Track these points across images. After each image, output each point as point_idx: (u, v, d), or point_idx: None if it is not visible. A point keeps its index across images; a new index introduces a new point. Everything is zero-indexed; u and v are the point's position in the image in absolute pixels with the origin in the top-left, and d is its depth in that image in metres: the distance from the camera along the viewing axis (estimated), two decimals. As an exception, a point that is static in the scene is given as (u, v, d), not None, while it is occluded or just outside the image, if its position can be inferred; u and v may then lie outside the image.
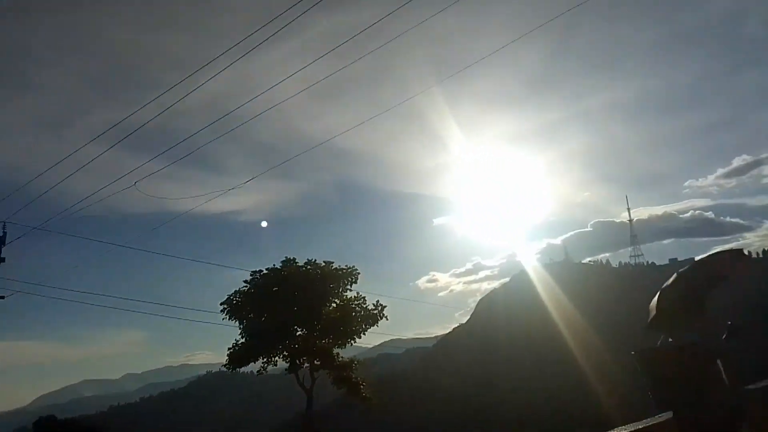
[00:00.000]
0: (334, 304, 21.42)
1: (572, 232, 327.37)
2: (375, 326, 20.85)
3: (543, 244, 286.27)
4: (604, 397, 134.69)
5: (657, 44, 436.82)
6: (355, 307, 20.76)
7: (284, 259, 19.83)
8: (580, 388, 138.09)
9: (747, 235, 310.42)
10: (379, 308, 20.86)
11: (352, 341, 21.20)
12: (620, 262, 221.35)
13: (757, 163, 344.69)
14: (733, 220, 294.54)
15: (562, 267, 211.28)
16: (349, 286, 20.95)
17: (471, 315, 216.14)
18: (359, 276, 20.85)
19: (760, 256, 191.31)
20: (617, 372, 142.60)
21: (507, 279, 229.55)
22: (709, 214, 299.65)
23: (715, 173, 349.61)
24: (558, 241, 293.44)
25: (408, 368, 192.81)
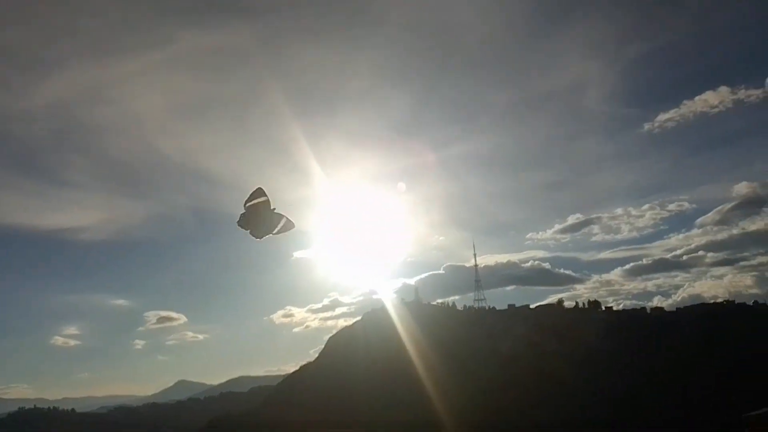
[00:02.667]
0: None
1: (426, 274, 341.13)
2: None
3: (399, 283, 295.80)
4: (452, 424, 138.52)
5: (511, 105, 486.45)
6: None
7: None
8: (425, 414, 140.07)
9: (577, 286, 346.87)
10: None
11: None
12: (465, 305, 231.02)
13: (588, 222, 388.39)
14: (566, 272, 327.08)
15: (412, 307, 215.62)
16: None
17: (320, 353, 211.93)
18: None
19: (586, 306, 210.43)
20: (464, 404, 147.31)
21: (359, 317, 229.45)
22: (546, 265, 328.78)
23: (553, 228, 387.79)
24: (413, 281, 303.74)
25: (250, 408, 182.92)
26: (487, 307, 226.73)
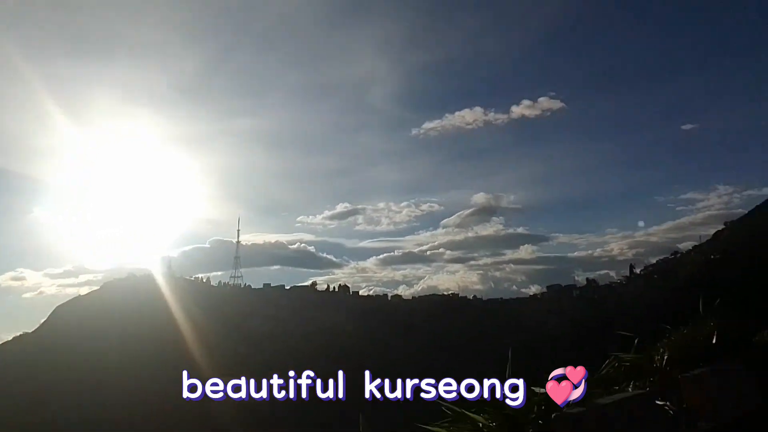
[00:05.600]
0: None
1: (191, 246, 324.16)
2: None
3: (161, 254, 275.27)
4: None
5: (301, 88, 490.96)
6: None
7: None
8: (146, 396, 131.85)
9: (336, 271, 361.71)
10: None
11: None
12: (220, 282, 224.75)
13: (354, 212, 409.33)
14: (329, 256, 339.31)
15: (163, 280, 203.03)
16: None
17: (43, 323, 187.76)
18: None
19: (337, 290, 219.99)
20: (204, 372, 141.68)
21: (97, 287, 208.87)
22: (312, 249, 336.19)
23: (323, 213, 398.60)
24: (176, 253, 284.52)
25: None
26: (242, 285, 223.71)
